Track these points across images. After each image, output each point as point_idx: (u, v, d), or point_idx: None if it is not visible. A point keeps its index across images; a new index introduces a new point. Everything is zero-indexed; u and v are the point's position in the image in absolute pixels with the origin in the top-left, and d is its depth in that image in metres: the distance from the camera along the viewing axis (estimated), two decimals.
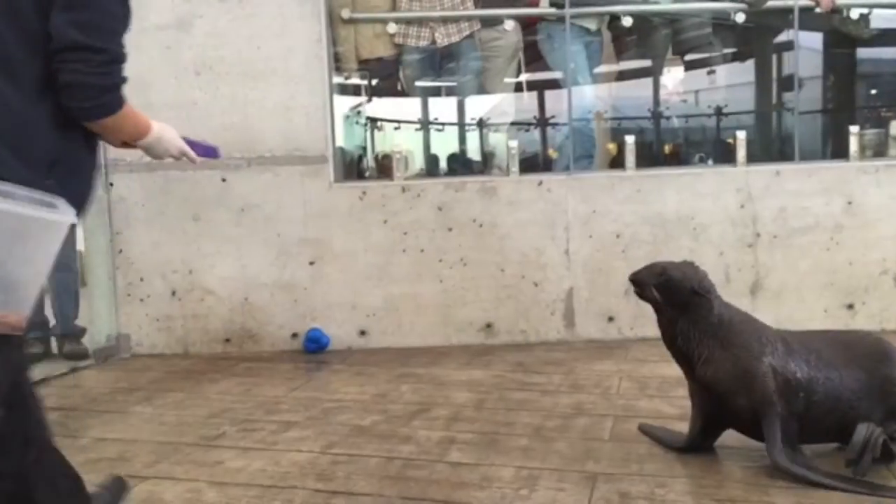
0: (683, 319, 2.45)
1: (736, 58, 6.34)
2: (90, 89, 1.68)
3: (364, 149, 6.50)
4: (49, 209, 1.60)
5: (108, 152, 4.29)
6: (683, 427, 2.66)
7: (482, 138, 7.31)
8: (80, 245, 4.64)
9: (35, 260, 1.60)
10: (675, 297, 2.44)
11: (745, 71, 6.47)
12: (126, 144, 1.91)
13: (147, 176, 4.33)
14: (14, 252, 1.54)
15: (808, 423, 2.37)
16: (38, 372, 4.06)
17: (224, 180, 4.34)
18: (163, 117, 4.55)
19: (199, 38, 4.29)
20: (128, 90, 1.78)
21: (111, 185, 4.32)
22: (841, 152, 4.58)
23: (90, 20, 1.66)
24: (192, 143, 2.03)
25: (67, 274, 4.54)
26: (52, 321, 4.57)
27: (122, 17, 1.73)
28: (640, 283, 2.50)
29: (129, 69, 1.75)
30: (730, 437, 2.53)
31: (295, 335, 4.38)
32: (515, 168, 4.44)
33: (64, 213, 1.65)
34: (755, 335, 2.41)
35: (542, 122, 7.34)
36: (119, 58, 1.72)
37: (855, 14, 4.78)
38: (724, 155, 5.20)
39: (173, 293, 4.38)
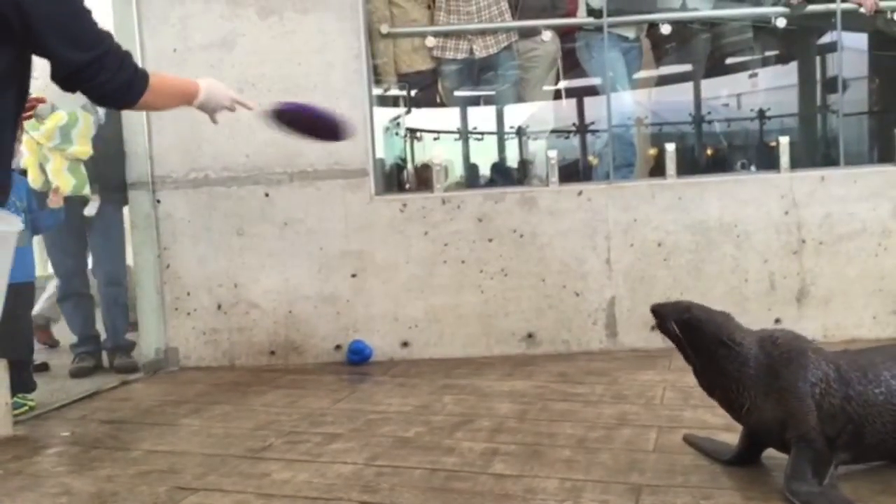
0: (712, 370, 2.35)
1: (778, 60, 6.26)
2: (119, 88, 1.78)
3: (404, 160, 6.54)
4: None
5: (155, 170, 4.42)
6: (728, 437, 2.64)
7: (521, 147, 7.30)
8: (130, 260, 4.76)
9: None
10: (699, 340, 2.34)
11: (787, 73, 6.37)
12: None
13: (192, 192, 4.43)
14: None
15: (868, 447, 2.29)
16: (89, 385, 4.19)
17: (267, 195, 4.41)
18: (207, 133, 4.65)
19: (241, 56, 4.38)
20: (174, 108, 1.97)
21: (158, 201, 4.43)
22: (887, 156, 4.50)
23: (81, 35, 1.71)
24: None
25: (117, 289, 4.68)
26: (104, 335, 4.71)
27: (90, 12, 1.78)
28: (660, 314, 2.40)
29: None
30: None
31: (338, 347, 4.42)
32: (555, 178, 4.44)
33: (10, 224, 1.67)
34: (800, 372, 2.26)
35: (582, 128, 7.31)
36: (113, 43, 1.79)
37: None
38: (767, 159, 5.13)
39: (219, 307, 4.46)
